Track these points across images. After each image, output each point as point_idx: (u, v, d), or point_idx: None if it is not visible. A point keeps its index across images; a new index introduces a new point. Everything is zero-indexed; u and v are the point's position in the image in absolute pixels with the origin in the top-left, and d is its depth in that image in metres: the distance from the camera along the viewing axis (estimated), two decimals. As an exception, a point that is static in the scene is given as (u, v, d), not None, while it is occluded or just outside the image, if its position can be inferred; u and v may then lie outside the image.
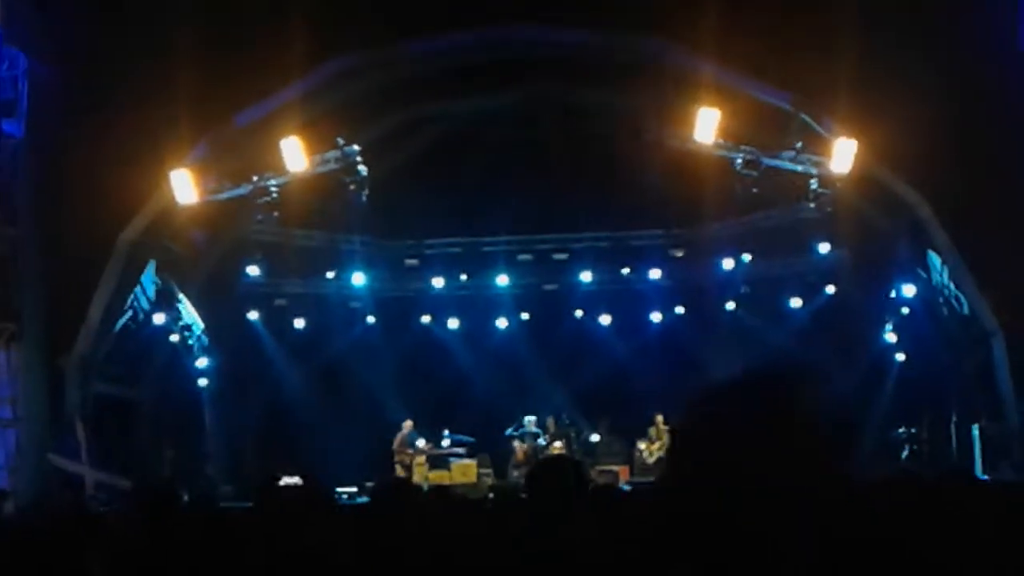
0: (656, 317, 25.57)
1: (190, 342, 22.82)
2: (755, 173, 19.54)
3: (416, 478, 21.87)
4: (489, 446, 23.57)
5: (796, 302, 23.98)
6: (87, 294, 19.38)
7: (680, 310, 25.41)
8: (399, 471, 22.61)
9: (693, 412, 2.21)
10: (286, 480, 6.58)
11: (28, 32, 19.06)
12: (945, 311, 20.35)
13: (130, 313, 20.88)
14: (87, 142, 18.61)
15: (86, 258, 19.15)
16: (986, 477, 16.95)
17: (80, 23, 18.91)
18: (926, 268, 20.43)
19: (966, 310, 19.33)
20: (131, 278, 20.32)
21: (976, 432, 18.90)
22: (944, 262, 19.43)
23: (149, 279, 21.09)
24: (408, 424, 23.46)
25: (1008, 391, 18.39)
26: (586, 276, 24.60)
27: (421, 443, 23.33)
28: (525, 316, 25.85)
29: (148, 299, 21.32)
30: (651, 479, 22.08)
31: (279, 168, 19.82)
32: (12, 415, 19.43)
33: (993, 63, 17.81)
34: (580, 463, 5.61)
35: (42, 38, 19.12)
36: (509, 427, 23.66)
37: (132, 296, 20.72)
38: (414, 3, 18.76)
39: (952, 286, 19.61)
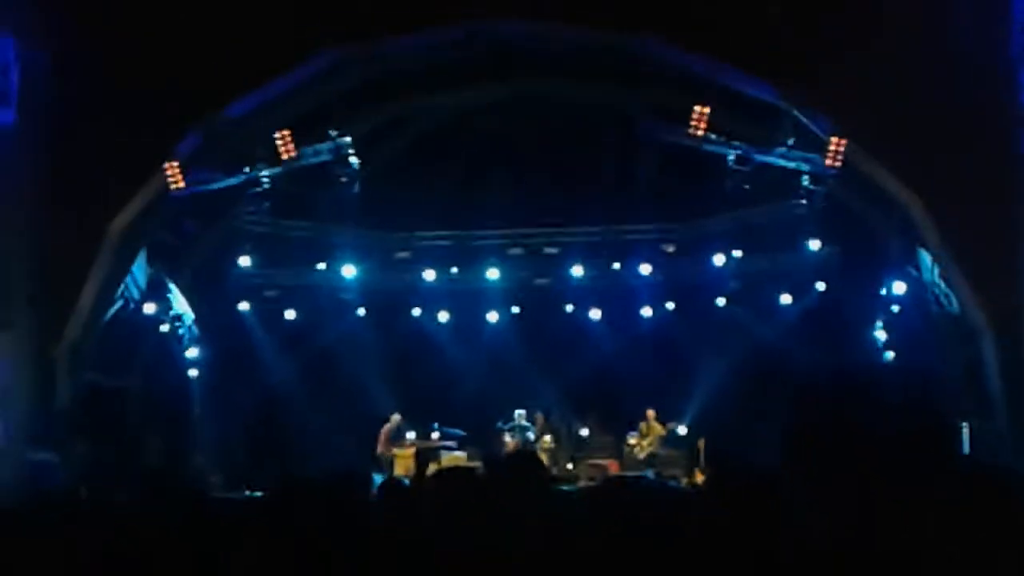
0: (647, 312, 25.56)
1: (180, 332, 22.81)
2: (747, 169, 19.55)
3: (398, 471, 21.85)
4: (479, 439, 23.57)
5: (786, 299, 24.01)
6: (78, 283, 19.33)
7: (671, 306, 25.40)
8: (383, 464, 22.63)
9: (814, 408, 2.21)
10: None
11: (18, 17, 18.96)
12: (935, 309, 20.36)
13: (120, 302, 20.84)
14: (79, 130, 18.58)
15: (77, 246, 19.10)
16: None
17: (72, 9, 18.85)
18: (917, 266, 20.45)
19: (956, 308, 19.34)
20: (122, 267, 20.27)
21: (965, 429, 18.92)
22: (935, 260, 19.45)
23: (140, 268, 21.06)
24: (396, 418, 23.46)
25: (997, 390, 18.40)
26: (577, 271, 24.56)
27: (411, 435, 23.34)
28: (516, 310, 25.83)
29: (139, 288, 21.28)
30: (644, 473, 22.12)
31: (271, 159, 19.82)
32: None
33: (986, 64, 17.84)
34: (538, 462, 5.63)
35: (33, 23, 19.03)
36: (499, 421, 23.68)
37: (123, 285, 20.67)
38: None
39: (942, 284, 19.62)
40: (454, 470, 6.01)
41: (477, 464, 22.66)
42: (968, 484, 2.51)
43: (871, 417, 2.16)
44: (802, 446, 2.27)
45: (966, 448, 18.81)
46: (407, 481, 13.64)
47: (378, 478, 9.44)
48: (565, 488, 20.27)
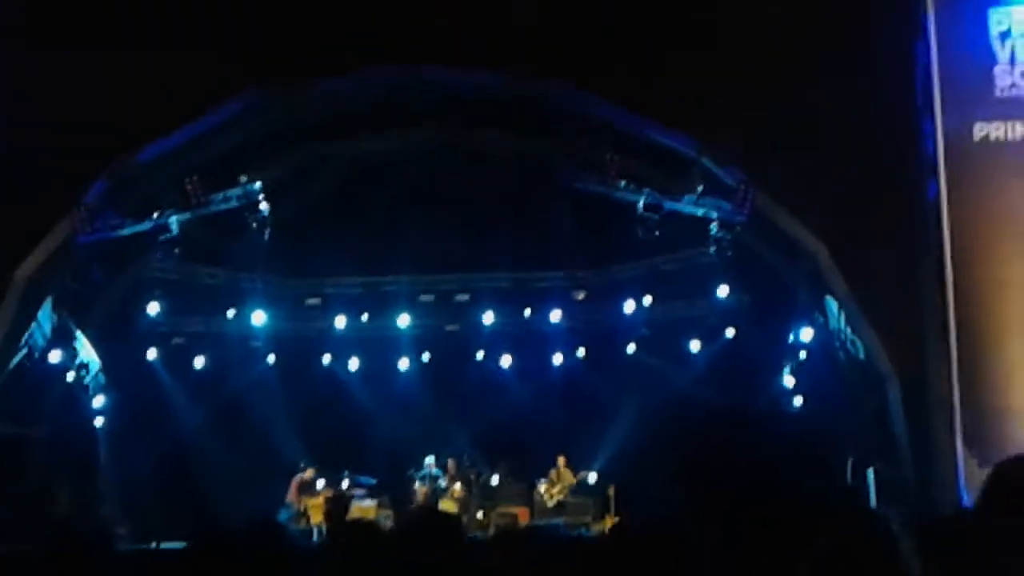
0: (557, 359, 25.67)
1: (86, 381, 22.47)
2: (656, 216, 19.69)
3: (314, 521, 21.74)
4: (391, 487, 23.46)
5: (696, 345, 24.23)
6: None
7: (581, 352, 25.53)
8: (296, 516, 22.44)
9: (692, 446, 2.23)
10: None
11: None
12: (842, 355, 20.58)
13: (25, 350, 20.50)
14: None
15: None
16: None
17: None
18: (824, 313, 20.68)
19: (862, 355, 19.57)
20: (27, 315, 19.94)
21: (871, 476, 19.12)
22: (841, 307, 19.69)
23: (46, 316, 20.74)
24: (311, 472, 23.27)
25: (902, 435, 18.62)
26: (488, 317, 24.63)
27: (321, 483, 23.19)
28: (426, 357, 25.82)
29: (44, 336, 20.94)
30: (555, 522, 22.13)
31: (181, 205, 19.66)
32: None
33: (893, 114, 18.17)
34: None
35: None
36: (411, 468, 23.59)
37: (28, 333, 20.35)
38: (319, 42, 18.71)
39: (848, 331, 19.85)
40: (362, 524, 5.98)
41: (387, 512, 22.62)
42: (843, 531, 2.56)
43: (761, 461, 2.20)
44: (694, 488, 2.31)
45: (872, 494, 19.04)
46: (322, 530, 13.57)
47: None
48: (476, 536, 20.26)
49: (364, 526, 5.75)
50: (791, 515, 2.13)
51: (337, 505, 21.74)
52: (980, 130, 17.71)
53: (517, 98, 19.76)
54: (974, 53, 17.83)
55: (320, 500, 22.67)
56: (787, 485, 2.15)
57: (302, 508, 22.63)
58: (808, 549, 2.12)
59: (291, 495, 22.97)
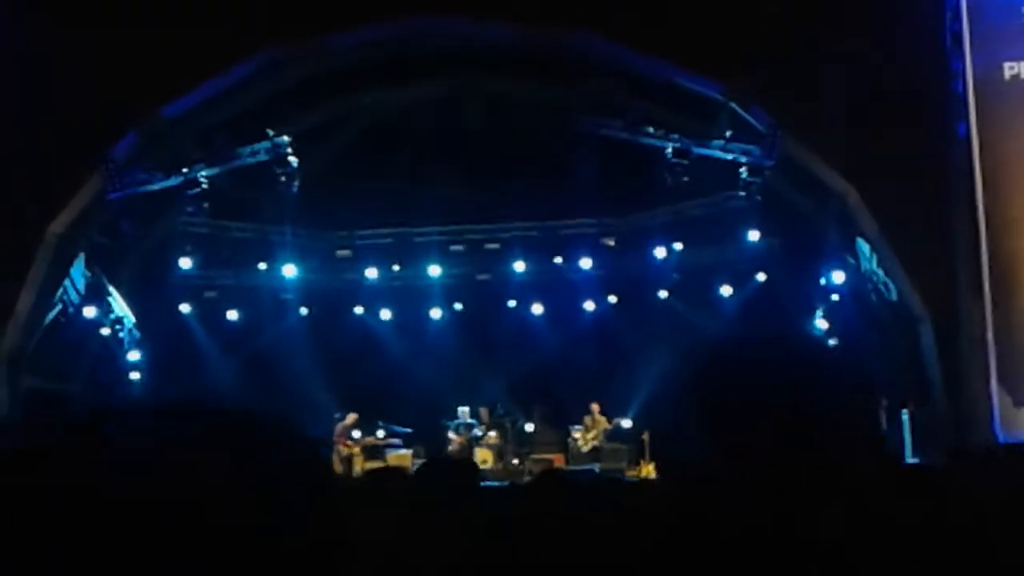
0: (589, 306, 25.65)
1: (121, 335, 22.63)
2: (685, 162, 19.62)
3: (356, 467, 21.94)
4: (425, 437, 23.54)
5: (727, 290, 24.16)
6: (15, 288, 19.14)
7: (613, 299, 25.50)
8: (336, 462, 22.58)
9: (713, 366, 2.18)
10: None
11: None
12: (874, 298, 20.53)
13: (59, 307, 20.64)
14: (12, 135, 18.40)
15: (13, 251, 18.91)
16: (916, 460, 17.13)
17: (4, 12, 18.67)
18: (855, 255, 20.61)
19: (895, 296, 19.52)
20: (60, 271, 20.09)
21: (905, 417, 19.09)
22: (873, 249, 19.61)
23: (79, 272, 20.87)
24: (353, 416, 23.39)
25: (936, 376, 18.58)
26: (519, 266, 24.60)
27: (356, 434, 23.30)
28: (458, 306, 25.86)
29: (78, 292, 21.09)
30: (590, 466, 22.18)
31: (209, 159, 19.71)
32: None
33: (921, 53, 18.03)
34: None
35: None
36: (445, 417, 23.68)
37: (61, 290, 20.49)
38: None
39: (881, 272, 19.78)
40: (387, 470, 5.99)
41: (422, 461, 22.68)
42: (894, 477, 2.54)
43: (806, 396, 2.15)
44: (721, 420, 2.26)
45: (907, 434, 19.03)
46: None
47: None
48: (512, 483, 20.34)
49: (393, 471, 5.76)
50: (822, 461, 2.09)
51: (373, 455, 21.93)
52: (1010, 68, 17.58)
53: (537, 47, 19.68)
54: (1003, -9, 17.68)
55: (356, 449, 22.83)
56: (823, 427, 2.10)
57: (345, 454, 22.79)
58: (838, 498, 2.08)
59: (338, 441, 23.09)
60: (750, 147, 19.33)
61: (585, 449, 23.50)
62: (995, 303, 17.35)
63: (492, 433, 23.56)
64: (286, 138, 19.84)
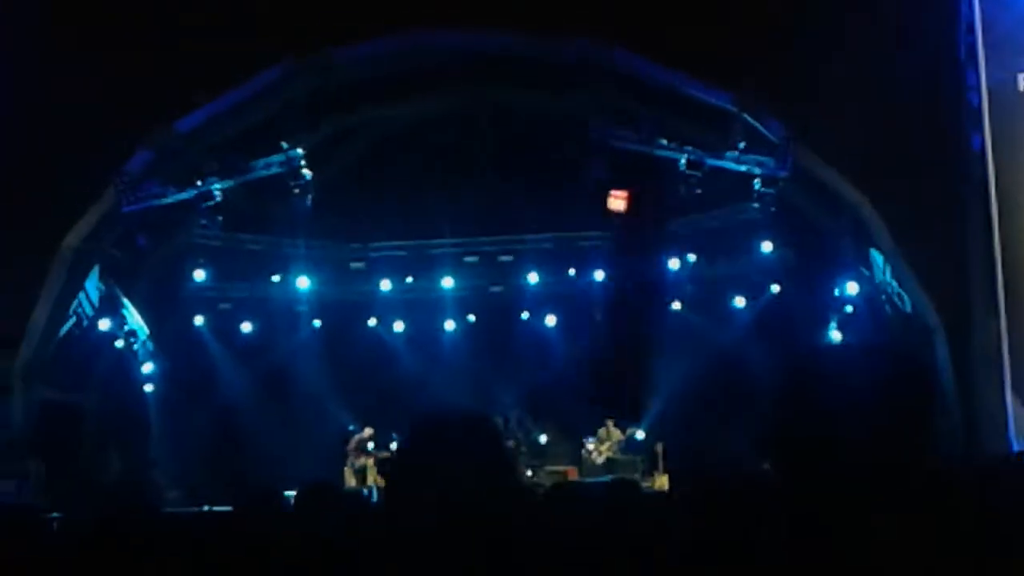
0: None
1: (135, 347, 22.69)
2: (699, 173, 19.60)
3: (369, 481, 21.97)
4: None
5: (740, 301, 24.15)
6: (30, 300, 19.22)
7: (626, 311, 25.49)
8: (348, 474, 22.62)
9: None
10: None
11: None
12: (888, 309, 20.50)
13: (74, 319, 20.71)
14: (28, 147, 18.49)
15: (29, 264, 18.99)
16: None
17: (18, 24, 18.75)
18: (869, 266, 20.59)
19: (909, 307, 19.49)
20: (75, 284, 20.17)
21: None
22: (887, 260, 19.59)
23: (93, 284, 20.94)
24: (369, 431, 23.42)
25: (950, 387, 18.55)
26: (532, 277, 24.63)
27: (370, 446, 23.32)
28: (472, 318, 25.86)
29: (92, 305, 21.16)
30: (604, 478, 22.15)
31: (223, 172, 19.77)
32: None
33: (935, 66, 18.03)
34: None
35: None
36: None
37: (76, 302, 20.56)
38: (344, 10, 18.71)
39: (895, 284, 19.76)
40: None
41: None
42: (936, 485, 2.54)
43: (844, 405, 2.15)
44: (782, 447, 2.27)
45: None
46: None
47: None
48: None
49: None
50: (877, 466, 2.10)
51: (385, 469, 21.92)
52: (1024, 81, 17.58)
53: (549, 58, 19.70)
54: (1017, 5, 17.65)
55: (370, 462, 22.85)
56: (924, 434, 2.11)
57: (359, 466, 22.82)
58: (891, 504, 2.09)
59: (352, 454, 23.13)
60: (764, 158, 19.31)
61: (599, 461, 23.48)
62: (1009, 314, 17.33)
63: (506, 444, 23.57)
64: (300, 151, 19.88)
